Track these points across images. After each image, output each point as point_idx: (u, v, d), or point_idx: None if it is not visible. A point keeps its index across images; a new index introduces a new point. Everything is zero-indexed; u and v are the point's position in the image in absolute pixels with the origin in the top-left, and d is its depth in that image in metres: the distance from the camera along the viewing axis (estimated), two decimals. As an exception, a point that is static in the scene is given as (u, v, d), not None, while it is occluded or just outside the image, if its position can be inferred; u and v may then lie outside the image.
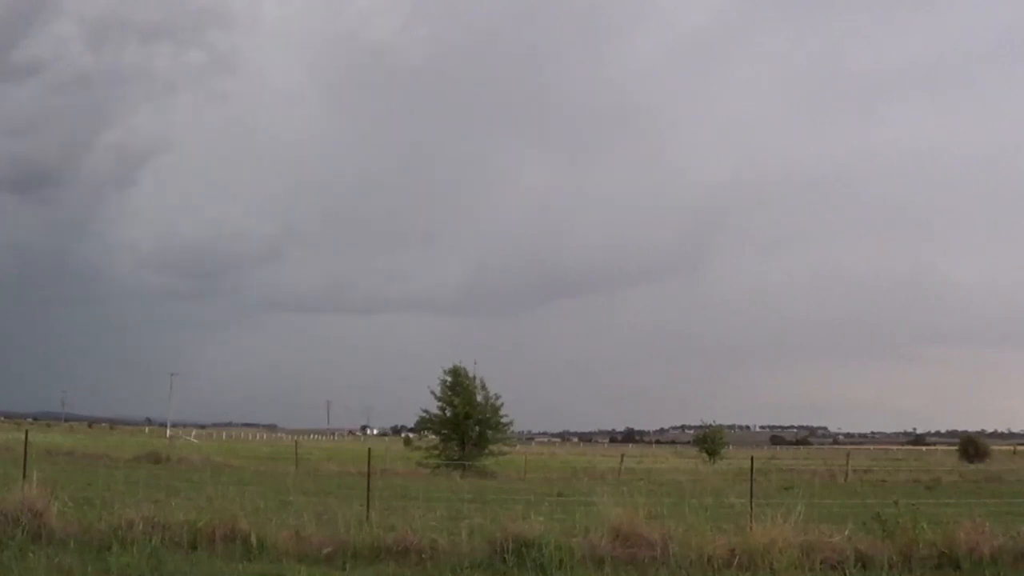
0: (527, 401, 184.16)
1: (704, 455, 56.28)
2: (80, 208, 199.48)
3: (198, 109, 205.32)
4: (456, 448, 37.87)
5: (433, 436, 41.05)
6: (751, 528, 10.55)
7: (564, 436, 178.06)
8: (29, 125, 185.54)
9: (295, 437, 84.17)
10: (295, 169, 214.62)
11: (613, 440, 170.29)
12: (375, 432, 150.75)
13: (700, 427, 63.68)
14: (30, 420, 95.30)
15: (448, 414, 38.23)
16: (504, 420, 38.92)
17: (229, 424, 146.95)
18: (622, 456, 41.59)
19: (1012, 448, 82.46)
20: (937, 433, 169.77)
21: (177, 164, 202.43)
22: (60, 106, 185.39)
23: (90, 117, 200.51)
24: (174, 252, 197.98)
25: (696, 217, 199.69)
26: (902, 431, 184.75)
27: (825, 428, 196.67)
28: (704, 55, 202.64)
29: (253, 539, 10.43)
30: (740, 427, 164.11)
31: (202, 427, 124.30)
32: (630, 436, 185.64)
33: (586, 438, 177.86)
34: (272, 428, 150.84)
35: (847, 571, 9.87)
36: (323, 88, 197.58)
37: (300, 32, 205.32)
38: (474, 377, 38.87)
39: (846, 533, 10.60)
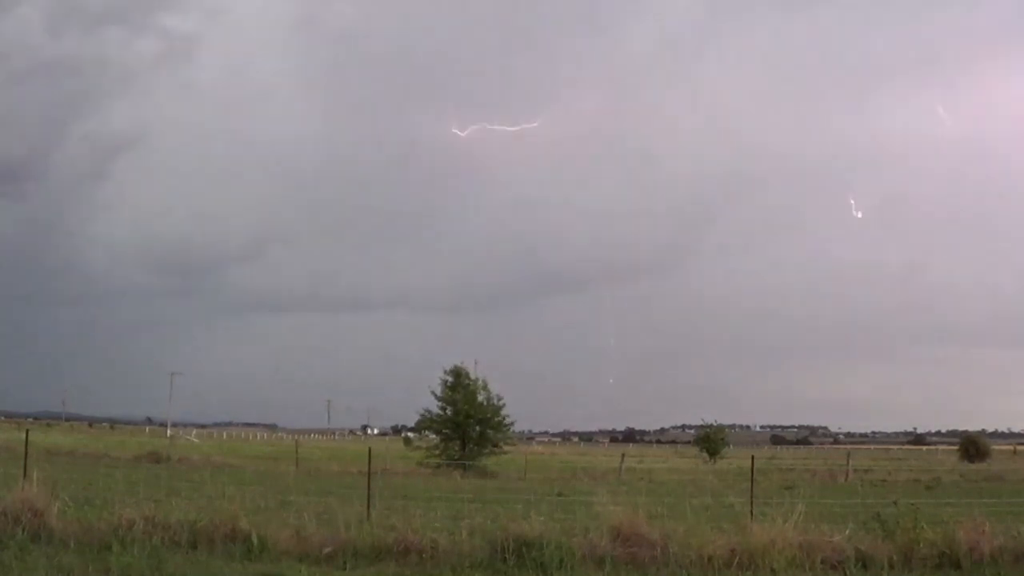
0: (528, 401, 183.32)
1: (705, 455, 56.31)
2: (57, 203, 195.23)
3: (167, 99, 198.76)
4: (457, 448, 37.96)
5: (433, 436, 41.17)
6: (751, 528, 10.55)
7: (565, 436, 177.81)
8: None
9: (295, 437, 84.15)
10: (275, 163, 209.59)
11: (614, 440, 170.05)
12: (375, 432, 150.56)
13: (701, 427, 63.63)
14: (30, 420, 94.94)
15: (449, 413, 38.32)
16: (505, 420, 39.07)
17: (229, 424, 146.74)
18: (622, 456, 41.59)
19: (1012, 448, 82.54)
20: (937, 433, 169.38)
21: (154, 157, 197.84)
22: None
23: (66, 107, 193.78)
24: (159, 249, 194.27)
25: (692, 212, 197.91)
26: (902, 431, 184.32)
27: (825, 428, 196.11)
28: (692, 42, 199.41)
29: (254, 539, 10.44)
30: (740, 427, 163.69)
31: (202, 427, 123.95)
32: (631, 436, 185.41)
33: (587, 438, 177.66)
34: (272, 428, 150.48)
35: (847, 571, 9.88)
36: (301, 76, 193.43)
37: (274, 20, 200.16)
38: (476, 378, 39.07)
39: (846, 533, 10.62)
